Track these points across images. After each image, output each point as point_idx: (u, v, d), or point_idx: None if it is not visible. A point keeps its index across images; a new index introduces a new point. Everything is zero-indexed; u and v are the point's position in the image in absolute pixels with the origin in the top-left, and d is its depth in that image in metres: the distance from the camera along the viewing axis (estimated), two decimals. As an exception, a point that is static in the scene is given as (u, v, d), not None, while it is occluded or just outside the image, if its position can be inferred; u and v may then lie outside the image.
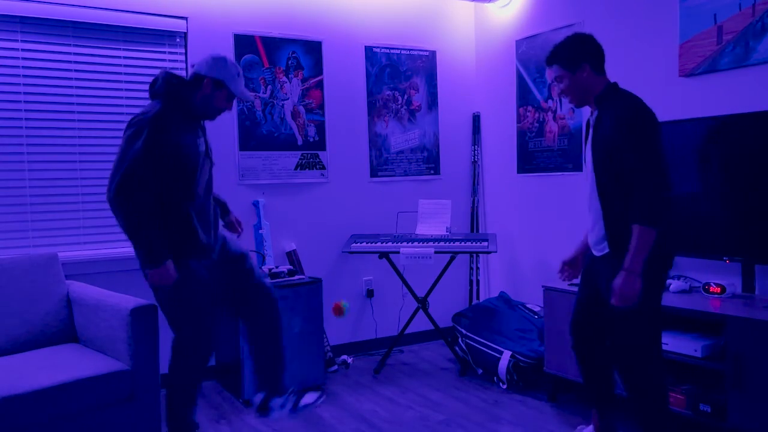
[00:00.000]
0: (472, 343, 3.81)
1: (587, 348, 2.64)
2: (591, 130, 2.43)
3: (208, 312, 2.63)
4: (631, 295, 2.22)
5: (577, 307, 2.65)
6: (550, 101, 4.08)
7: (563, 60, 2.40)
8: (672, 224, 2.37)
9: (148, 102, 2.62)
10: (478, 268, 4.71)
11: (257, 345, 2.87)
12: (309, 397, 2.92)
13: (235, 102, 3.86)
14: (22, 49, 3.34)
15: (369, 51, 4.36)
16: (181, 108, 2.55)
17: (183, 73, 3.75)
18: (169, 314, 2.60)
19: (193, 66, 2.64)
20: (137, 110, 3.55)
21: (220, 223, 2.92)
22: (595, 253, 2.46)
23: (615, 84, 2.41)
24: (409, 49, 4.51)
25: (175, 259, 2.51)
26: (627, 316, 2.31)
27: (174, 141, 2.45)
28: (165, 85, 2.54)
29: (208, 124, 2.80)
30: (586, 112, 3.83)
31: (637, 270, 2.21)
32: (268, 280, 2.88)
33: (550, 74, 2.44)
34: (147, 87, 3.55)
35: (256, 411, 2.89)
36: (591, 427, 2.80)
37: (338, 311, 3.67)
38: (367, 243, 3.93)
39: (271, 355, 2.88)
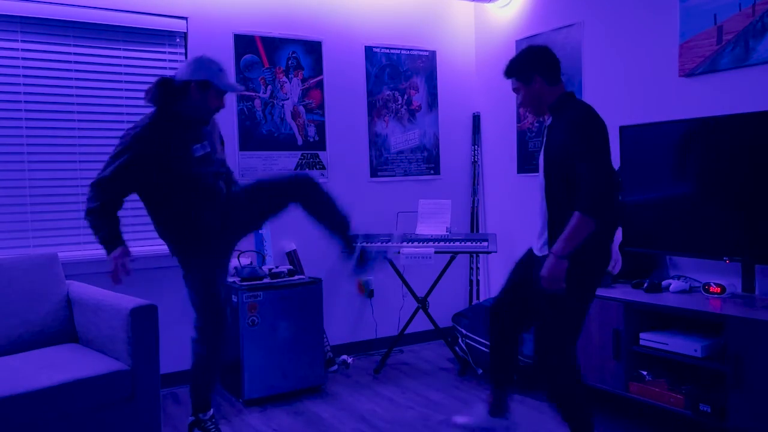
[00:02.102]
0: (472, 343, 3.81)
1: (504, 328, 2.68)
2: (544, 138, 2.49)
3: (221, 297, 2.84)
4: (557, 278, 2.26)
5: (503, 289, 2.71)
6: (550, 101, 4.08)
7: (517, 73, 2.48)
8: (614, 226, 2.46)
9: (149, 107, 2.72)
10: (478, 268, 4.71)
11: (318, 216, 2.91)
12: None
13: (235, 102, 3.87)
14: (22, 49, 3.34)
15: (369, 51, 4.36)
16: (174, 115, 2.62)
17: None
18: (194, 294, 2.81)
19: (174, 75, 2.67)
20: (137, 110, 3.63)
21: None
22: (537, 252, 2.51)
23: (569, 93, 2.46)
24: (409, 49, 4.51)
25: (191, 255, 2.75)
26: (550, 306, 2.37)
27: (161, 151, 2.56)
28: (158, 93, 2.60)
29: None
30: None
31: (563, 254, 2.25)
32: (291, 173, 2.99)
33: (511, 85, 2.57)
34: (147, 87, 3.58)
35: (343, 253, 2.94)
36: (468, 417, 2.87)
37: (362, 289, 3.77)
38: (366, 243, 3.92)
39: (335, 221, 2.92)
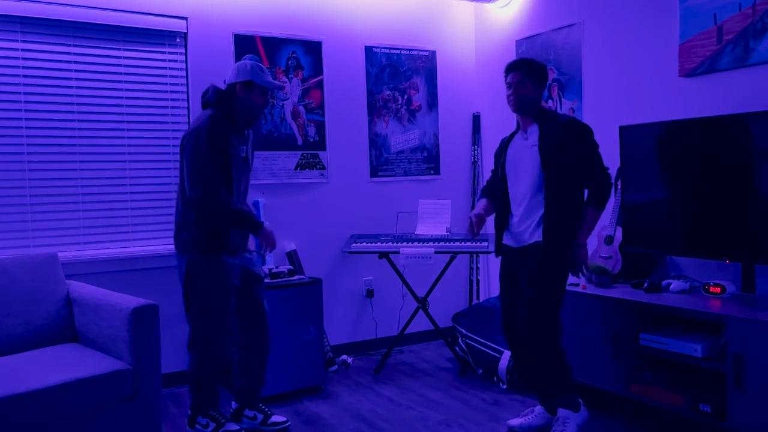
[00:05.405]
0: (472, 343, 3.81)
1: (518, 341, 2.93)
2: (528, 142, 2.81)
3: (229, 306, 2.87)
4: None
5: (504, 309, 2.96)
6: (550, 101, 4.08)
7: (534, 72, 2.78)
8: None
9: (200, 112, 2.89)
10: (478, 268, 4.71)
11: (246, 357, 3.05)
12: (278, 417, 3.10)
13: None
14: (22, 49, 3.34)
15: (369, 51, 4.36)
16: (228, 116, 2.82)
17: (183, 74, 3.77)
18: (195, 302, 2.82)
19: (224, 83, 2.89)
20: (137, 110, 3.63)
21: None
22: (528, 240, 2.80)
23: (543, 107, 2.86)
24: (409, 49, 4.51)
25: (209, 253, 2.79)
26: (550, 280, 2.74)
27: (222, 144, 2.75)
28: (215, 94, 2.83)
29: None
30: (587, 111, 3.83)
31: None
32: (266, 307, 3.10)
33: (513, 76, 2.79)
34: (147, 87, 3.69)
35: (230, 417, 3.08)
36: (522, 419, 2.98)
37: None
38: (367, 243, 3.93)
39: (256, 370, 3.06)
